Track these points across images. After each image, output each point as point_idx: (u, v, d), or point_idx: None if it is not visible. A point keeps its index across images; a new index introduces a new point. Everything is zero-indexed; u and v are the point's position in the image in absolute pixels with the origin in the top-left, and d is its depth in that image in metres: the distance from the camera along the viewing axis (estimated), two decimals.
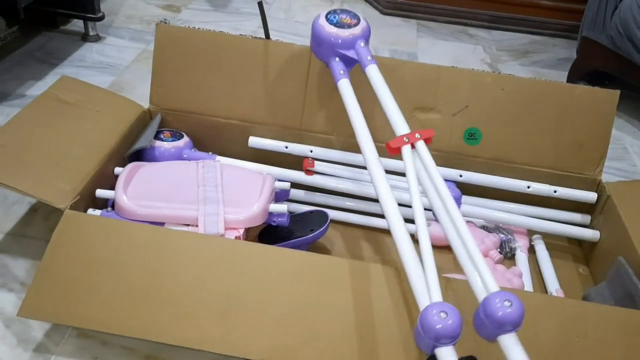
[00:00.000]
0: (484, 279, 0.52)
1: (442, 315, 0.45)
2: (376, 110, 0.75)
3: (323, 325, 0.61)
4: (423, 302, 0.49)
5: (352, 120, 0.71)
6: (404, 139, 0.66)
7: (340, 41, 0.77)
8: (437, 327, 0.44)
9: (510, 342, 0.48)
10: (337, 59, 0.78)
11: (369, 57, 0.76)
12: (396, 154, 0.67)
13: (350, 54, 0.77)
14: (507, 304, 0.47)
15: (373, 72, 0.75)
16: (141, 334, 0.61)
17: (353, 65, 0.79)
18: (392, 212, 0.60)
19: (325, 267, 0.65)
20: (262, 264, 0.65)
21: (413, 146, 0.66)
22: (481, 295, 0.51)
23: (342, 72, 0.77)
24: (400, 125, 0.69)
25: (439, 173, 0.64)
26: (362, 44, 0.77)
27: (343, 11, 0.80)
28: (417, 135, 0.66)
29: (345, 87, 0.75)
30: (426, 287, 0.51)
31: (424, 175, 0.64)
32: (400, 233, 0.58)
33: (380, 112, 0.73)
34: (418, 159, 0.66)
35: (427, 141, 0.67)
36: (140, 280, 0.63)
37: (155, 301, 0.62)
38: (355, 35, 0.77)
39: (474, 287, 0.53)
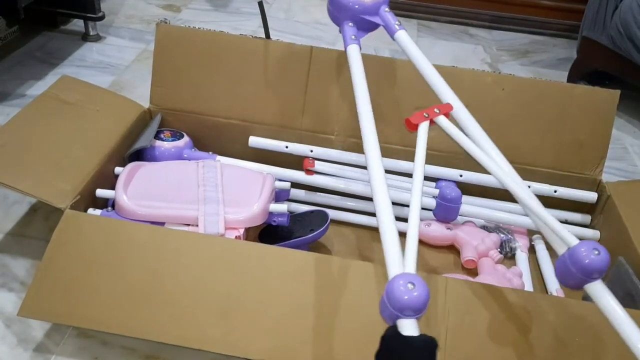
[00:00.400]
0: (561, 232, 0.54)
1: (410, 286, 0.44)
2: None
3: (323, 325, 0.61)
4: (393, 271, 0.48)
5: (355, 87, 0.69)
6: (424, 114, 0.65)
7: (362, 7, 0.75)
8: (404, 298, 0.43)
9: (599, 290, 0.50)
10: (350, 23, 0.76)
11: (396, 23, 0.74)
12: (414, 130, 0.65)
13: (375, 19, 0.76)
14: (595, 252, 0.49)
15: (403, 38, 0.73)
16: (141, 333, 0.61)
17: (366, 33, 0.78)
18: (377, 176, 0.58)
19: (325, 267, 0.64)
20: (262, 264, 0.65)
21: (432, 122, 0.65)
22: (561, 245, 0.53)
23: (353, 37, 0.75)
24: (444, 92, 0.67)
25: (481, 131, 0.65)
26: (386, 9, 0.75)
27: None
28: (435, 110, 0.65)
29: (353, 52, 0.73)
30: (401, 256, 0.49)
31: (463, 141, 0.64)
32: (381, 196, 0.56)
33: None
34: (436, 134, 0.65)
35: (446, 116, 0.66)
36: (140, 280, 0.63)
37: (155, 301, 0.62)
38: (378, 0, 0.76)
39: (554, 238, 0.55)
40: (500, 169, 0.61)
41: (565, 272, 0.51)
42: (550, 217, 0.55)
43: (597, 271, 0.50)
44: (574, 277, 0.50)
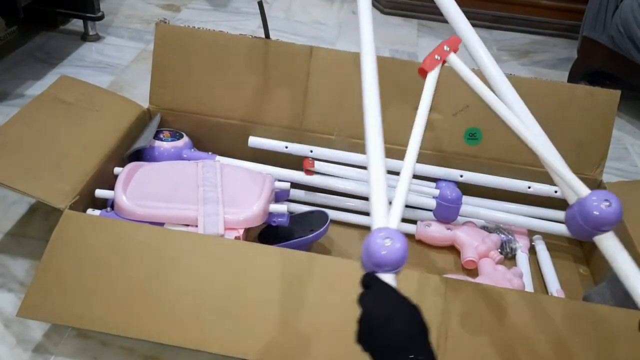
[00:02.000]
0: (572, 181, 0.52)
1: (387, 242, 0.43)
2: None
3: (323, 325, 0.61)
4: (375, 224, 0.47)
5: (362, 34, 0.62)
6: (435, 56, 0.64)
7: None
8: (382, 253, 0.43)
9: (609, 244, 0.49)
10: None
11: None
12: (426, 75, 0.64)
13: None
14: (606, 204, 0.48)
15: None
16: (141, 334, 0.61)
17: None
18: (373, 133, 0.56)
19: (325, 267, 0.64)
20: (262, 264, 0.65)
21: (444, 62, 0.64)
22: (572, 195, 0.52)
23: None
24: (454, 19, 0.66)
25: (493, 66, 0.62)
26: None
27: None
28: (445, 47, 0.65)
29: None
30: (386, 211, 0.49)
31: (473, 82, 0.62)
32: (374, 148, 0.55)
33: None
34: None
35: (455, 51, 0.65)
36: (140, 281, 0.63)
37: (155, 302, 0.62)
38: None
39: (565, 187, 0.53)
40: (512, 116, 0.60)
41: (574, 224, 0.50)
42: (562, 165, 0.54)
43: (607, 224, 0.48)
44: (583, 229, 0.49)
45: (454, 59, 0.64)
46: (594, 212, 0.48)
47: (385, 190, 0.50)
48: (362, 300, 0.42)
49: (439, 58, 0.64)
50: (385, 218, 0.48)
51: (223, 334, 0.61)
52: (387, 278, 0.43)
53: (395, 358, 0.38)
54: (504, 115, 0.59)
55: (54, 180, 0.71)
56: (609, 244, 0.49)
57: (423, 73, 0.64)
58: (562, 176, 0.53)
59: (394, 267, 0.43)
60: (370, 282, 0.43)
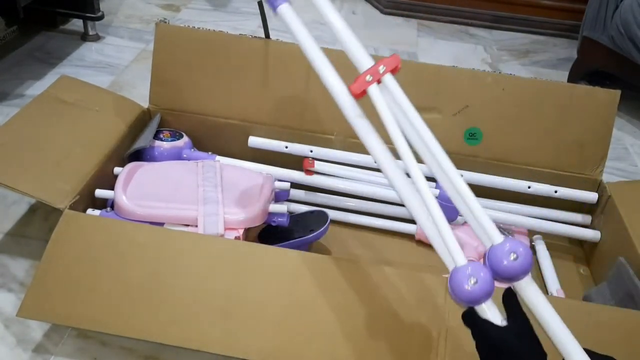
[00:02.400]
0: (488, 228, 0.49)
1: (472, 281, 0.44)
2: None
3: (323, 325, 0.61)
4: (448, 264, 0.48)
5: (307, 50, 0.58)
6: (367, 77, 0.54)
7: None
8: (468, 290, 0.43)
9: (530, 289, 0.47)
10: None
11: None
12: (361, 97, 0.55)
13: None
14: (512, 257, 0.46)
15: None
16: (141, 334, 0.61)
17: None
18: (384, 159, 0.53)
19: (325, 267, 0.64)
20: (262, 264, 0.65)
21: (379, 82, 0.54)
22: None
23: None
24: (362, 60, 0.55)
25: (413, 108, 0.54)
26: None
27: None
28: (380, 68, 0.54)
29: (287, 13, 0.63)
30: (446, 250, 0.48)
31: (398, 115, 0.54)
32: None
33: None
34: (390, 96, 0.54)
35: (393, 72, 0.55)
36: (140, 281, 0.63)
37: (155, 302, 0.62)
38: None
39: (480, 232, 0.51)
40: (432, 156, 0.54)
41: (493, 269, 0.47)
42: (480, 210, 0.50)
43: (513, 277, 0.46)
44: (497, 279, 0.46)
45: (389, 82, 0.55)
46: (503, 263, 0.45)
47: (435, 230, 0.50)
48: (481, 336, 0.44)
49: (370, 79, 0.54)
50: (450, 259, 0.48)
51: (223, 334, 0.61)
52: (484, 308, 0.44)
53: None
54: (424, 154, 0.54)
55: (54, 180, 0.71)
56: (529, 291, 0.47)
57: (353, 94, 0.55)
58: (479, 221, 0.50)
59: (488, 295, 0.44)
60: (470, 320, 0.45)
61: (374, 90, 0.54)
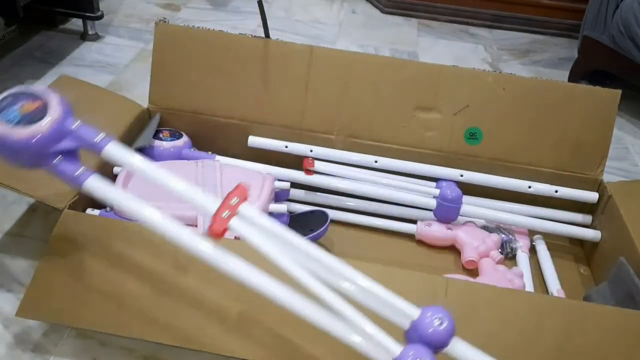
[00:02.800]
0: (402, 307, 0.50)
1: None
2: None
3: None
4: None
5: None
6: (223, 214, 0.51)
7: (47, 140, 0.55)
8: None
9: (461, 347, 0.48)
10: (58, 158, 0.57)
11: (97, 138, 0.58)
12: (223, 235, 0.52)
13: (68, 144, 0.57)
14: (437, 322, 0.47)
15: (114, 151, 0.58)
16: (140, 334, 0.61)
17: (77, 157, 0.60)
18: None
19: None
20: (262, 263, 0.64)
21: (236, 214, 0.52)
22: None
23: (80, 170, 0.57)
24: (206, 205, 0.54)
25: (277, 225, 0.53)
26: (73, 124, 0.58)
27: (17, 97, 0.57)
28: (232, 201, 0.52)
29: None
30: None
31: (268, 236, 0.52)
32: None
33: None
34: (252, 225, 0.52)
35: (244, 200, 0.53)
36: (140, 280, 0.63)
37: (154, 302, 0.62)
38: (56, 120, 0.56)
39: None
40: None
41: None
42: (386, 295, 0.51)
43: (447, 339, 0.47)
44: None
45: (246, 211, 0.52)
46: (429, 330, 0.47)
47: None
48: None
49: (227, 215, 0.51)
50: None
51: (223, 334, 0.60)
52: None
53: None
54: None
55: (53, 180, 0.71)
56: (460, 349, 0.48)
57: (214, 236, 0.52)
58: (390, 304, 0.51)
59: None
60: None
61: (235, 223, 0.52)
